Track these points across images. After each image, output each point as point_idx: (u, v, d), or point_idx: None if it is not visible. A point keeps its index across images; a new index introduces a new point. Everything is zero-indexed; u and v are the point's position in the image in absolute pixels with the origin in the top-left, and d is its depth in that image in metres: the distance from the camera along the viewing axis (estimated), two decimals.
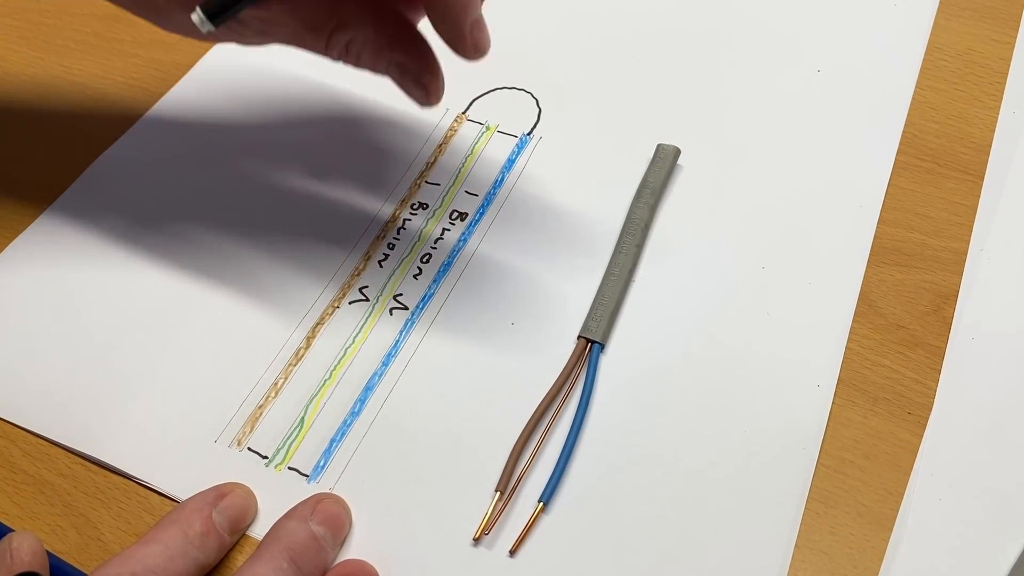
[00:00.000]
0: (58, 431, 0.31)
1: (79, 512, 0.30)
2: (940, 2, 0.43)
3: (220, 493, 0.28)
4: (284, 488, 0.30)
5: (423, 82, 0.30)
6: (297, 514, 0.27)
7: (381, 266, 0.36)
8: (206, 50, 0.43)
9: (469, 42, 0.29)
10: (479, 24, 0.29)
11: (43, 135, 0.40)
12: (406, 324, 0.34)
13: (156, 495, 0.30)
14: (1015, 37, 0.41)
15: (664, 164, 0.37)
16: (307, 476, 0.30)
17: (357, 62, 0.30)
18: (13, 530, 0.25)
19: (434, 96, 0.31)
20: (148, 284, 0.35)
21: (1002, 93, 0.39)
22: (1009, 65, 0.40)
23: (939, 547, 0.27)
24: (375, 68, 0.30)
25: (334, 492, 0.29)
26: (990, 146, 0.38)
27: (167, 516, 0.27)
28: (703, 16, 0.44)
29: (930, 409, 0.30)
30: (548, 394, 0.31)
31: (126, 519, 0.29)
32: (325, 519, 0.27)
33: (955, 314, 0.33)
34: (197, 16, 0.27)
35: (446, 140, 0.40)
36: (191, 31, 0.28)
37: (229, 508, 0.28)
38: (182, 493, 0.30)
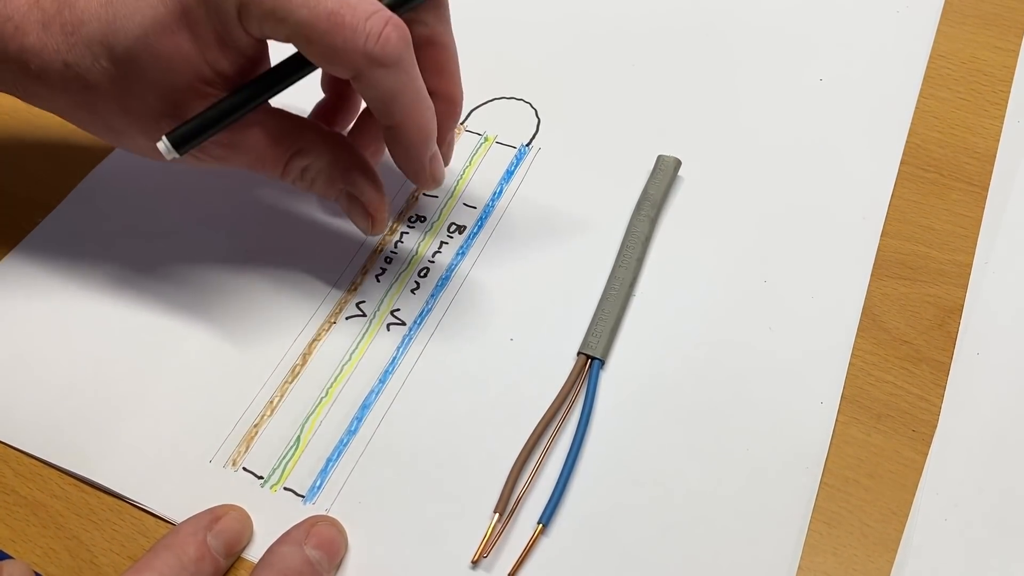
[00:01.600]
0: (51, 451, 0.31)
1: (72, 534, 0.29)
2: (943, 10, 0.42)
3: (214, 516, 0.28)
4: (279, 509, 0.29)
5: (370, 212, 0.32)
6: (291, 538, 0.27)
7: (378, 280, 0.35)
8: None
9: (427, 175, 0.31)
10: (436, 158, 0.31)
11: (37, 147, 0.40)
12: (404, 340, 0.33)
13: (150, 516, 0.29)
14: (1019, 45, 0.41)
15: (665, 176, 0.37)
16: (303, 497, 0.30)
17: (310, 187, 0.31)
18: (5, 554, 0.25)
19: (378, 227, 0.32)
20: (142, 300, 0.35)
21: (1006, 102, 0.39)
22: (1013, 73, 0.40)
23: (945, 568, 0.27)
24: (326, 195, 0.32)
25: (329, 514, 0.29)
26: (994, 156, 0.37)
27: (161, 541, 0.27)
28: (704, 26, 0.43)
29: (935, 426, 0.30)
30: (547, 412, 0.31)
31: (120, 541, 0.29)
32: (320, 543, 0.27)
33: (960, 328, 0.32)
34: (163, 145, 0.28)
35: None
36: (150, 153, 0.30)
37: (224, 532, 0.27)
38: (176, 514, 0.29)
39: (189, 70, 0.28)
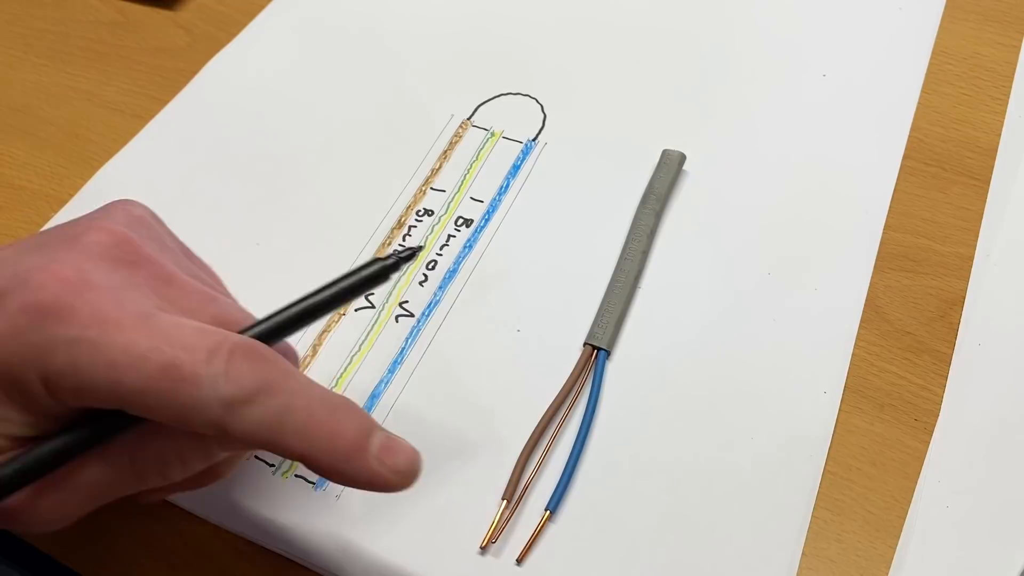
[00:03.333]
0: None
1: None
2: (946, 5, 0.43)
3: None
4: (291, 497, 0.30)
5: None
6: None
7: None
8: (210, 57, 0.43)
9: (388, 478, 0.24)
10: (387, 449, 0.24)
11: (49, 143, 0.40)
12: (412, 331, 0.34)
13: (164, 504, 0.30)
14: (1021, 41, 0.41)
15: (669, 170, 0.37)
16: (314, 484, 0.30)
17: (186, 479, 0.25)
18: None
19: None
20: None
21: (1008, 97, 0.39)
22: (1015, 69, 0.40)
23: (946, 554, 0.27)
24: (210, 471, 0.26)
25: (339, 501, 0.29)
26: (996, 150, 0.37)
27: None
28: (708, 22, 0.44)
29: (937, 415, 0.30)
30: (554, 401, 0.31)
31: (145, 536, 0.29)
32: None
33: (962, 320, 0.33)
34: None
35: (451, 147, 0.40)
36: None
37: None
38: (189, 503, 0.30)
39: None
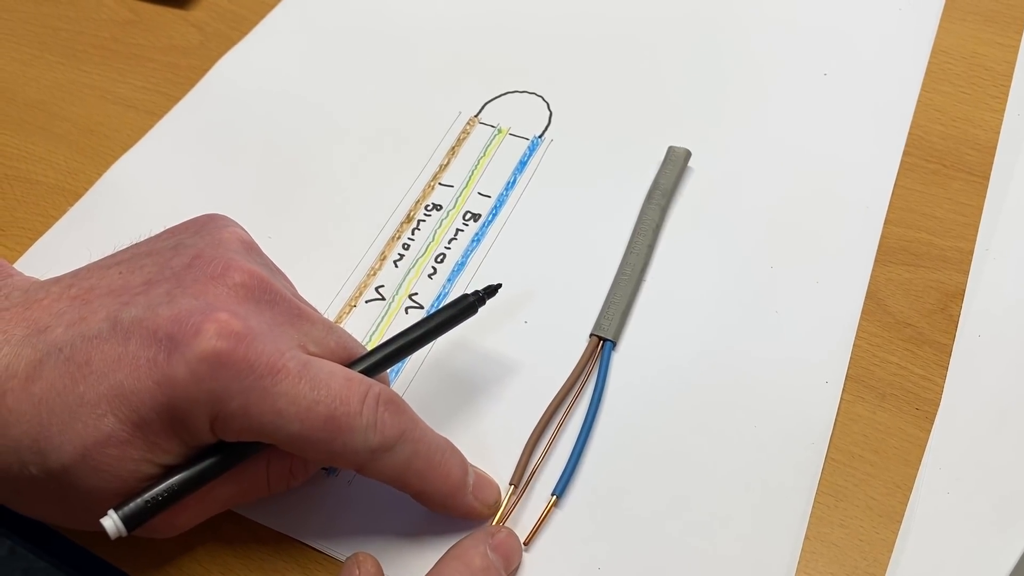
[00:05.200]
0: None
1: None
2: (945, 6, 0.43)
3: (491, 533, 0.27)
4: (306, 484, 0.30)
5: None
6: (476, 538, 0.27)
7: (396, 266, 0.36)
8: (222, 55, 0.44)
9: (480, 509, 0.28)
10: (481, 485, 0.28)
11: (64, 139, 0.41)
12: None
13: None
14: (1020, 41, 0.42)
15: (675, 166, 0.38)
16: (327, 471, 0.31)
17: (307, 476, 0.29)
18: None
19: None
20: None
21: (1007, 96, 0.40)
22: (1014, 68, 0.41)
23: (948, 539, 0.28)
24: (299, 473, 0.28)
25: (351, 487, 0.30)
26: (995, 148, 0.38)
27: (448, 553, 0.27)
28: (711, 21, 0.44)
29: (938, 405, 0.31)
30: (561, 391, 0.32)
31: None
32: (500, 547, 0.27)
33: (962, 312, 0.33)
34: (111, 523, 0.24)
35: (459, 143, 0.40)
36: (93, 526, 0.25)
37: (502, 547, 0.27)
38: None
39: (135, 473, 0.24)
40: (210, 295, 0.25)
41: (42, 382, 0.24)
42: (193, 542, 0.29)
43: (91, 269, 0.27)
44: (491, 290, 0.31)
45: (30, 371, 0.24)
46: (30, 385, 0.24)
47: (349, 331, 0.34)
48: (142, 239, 0.29)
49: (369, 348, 0.29)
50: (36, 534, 0.30)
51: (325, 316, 0.29)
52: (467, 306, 0.30)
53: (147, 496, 0.24)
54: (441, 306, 0.30)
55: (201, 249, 0.27)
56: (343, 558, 0.28)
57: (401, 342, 0.29)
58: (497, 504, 0.29)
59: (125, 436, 0.24)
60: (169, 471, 0.25)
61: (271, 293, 0.26)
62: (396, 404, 0.26)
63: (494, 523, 0.29)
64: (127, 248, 0.28)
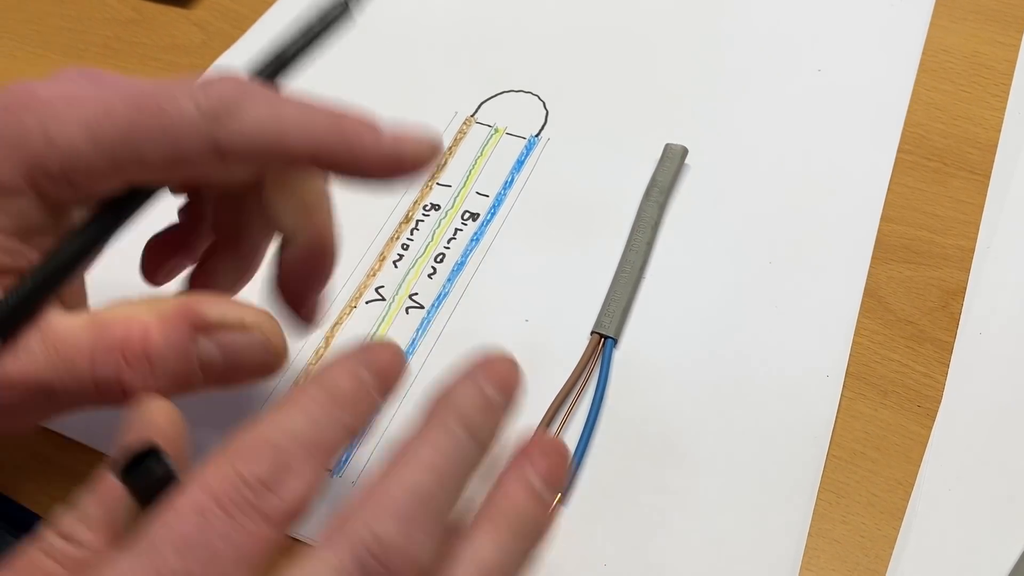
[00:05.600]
0: (84, 434, 0.32)
1: None
2: (946, 5, 0.43)
3: (366, 348, 0.22)
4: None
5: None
6: (341, 359, 0.22)
7: (396, 266, 0.36)
8: (220, 53, 0.44)
9: (402, 158, 0.24)
10: (398, 134, 0.25)
11: None
12: (422, 323, 0.34)
13: None
14: (1020, 40, 0.42)
15: (672, 163, 0.38)
16: (330, 470, 0.31)
17: (151, 377, 0.23)
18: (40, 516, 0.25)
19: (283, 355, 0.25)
20: (164, 290, 0.36)
21: (1007, 94, 0.40)
22: (1014, 67, 0.41)
23: (949, 535, 0.28)
24: (186, 367, 0.23)
25: (355, 487, 0.30)
26: (996, 146, 0.38)
27: (310, 378, 0.22)
28: (705, 19, 0.45)
29: (939, 402, 0.31)
30: (563, 388, 0.32)
31: None
32: (371, 363, 0.22)
33: (963, 310, 0.33)
34: None
35: (456, 143, 0.40)
36: None
37: (376, 362, 0.22)
38: None
39: None
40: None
41: None
42: None
43: None
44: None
45: None
46: None
47: (350, 332, 0.34)
48: None
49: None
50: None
51: None
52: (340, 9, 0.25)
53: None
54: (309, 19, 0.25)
55: None
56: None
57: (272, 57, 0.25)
58: (433, 150, 0.24)
59: None
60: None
61: (95, 74, 0.24)
62: (230, 76, 0.23)
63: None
64: None
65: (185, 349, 0.23)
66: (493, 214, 0.38)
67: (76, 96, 0.22)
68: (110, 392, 0.22)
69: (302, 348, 0.34)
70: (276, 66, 0.24)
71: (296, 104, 0.23)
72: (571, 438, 0.31)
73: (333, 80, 0.43)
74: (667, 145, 0.38)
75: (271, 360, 0.24)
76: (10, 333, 0.21)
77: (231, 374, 0.24)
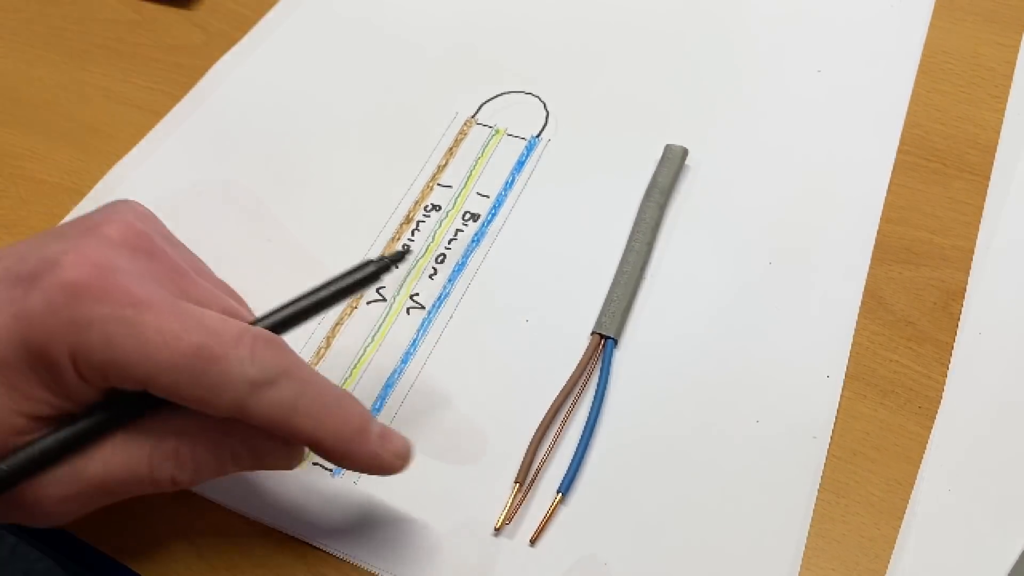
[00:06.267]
0: None
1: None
2: (946, 6, 0.44)
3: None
4: (309, 484, 0.30)
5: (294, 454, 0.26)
6: None
7: (396, 266, 0.36)
8: (221, 54, 0.44)
9: (386, 462, 0.26)
10: (384, 436, 0.26)
11: (68, 138, 0.41)
12: (423, 323, 0.35)
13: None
14: (1020, 41, 0.42)
15: (672, 164, 0.38)
16: (331, 471, 0.31)
17: (196, 472, 0.25)
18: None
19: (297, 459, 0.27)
20: None
21: (1007, 96, 0.40)
22: (1014, 68, 0.41)
23: (949, 535, 0.28)
24: (220, 465, 0.26)
25: (357, 487, 0.30)
26: (996, 147, 0.38)
27: None
28: (706, 21, 0.45)
29: (939, 402, 0.31)
30: (564, 389, 0.32)
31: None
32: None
33: (963, 310, 0.33)
34: None
35: (456, 144, 0.40)
36: None
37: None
38: (212, 491, 0.30)
39: (2, 424, 0.23)
40: (82, 240, 0.24)
41: None
42: (200, 542, 0.29)
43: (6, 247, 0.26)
44: (398, 256, 0.28)
45: None
46: None
47: (351, 333, 0.34)
48: None
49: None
50: (41, 531, 0.30)
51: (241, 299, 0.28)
52: (369, 275, 0.27)
53: (2, 466, 0.22)
54: (343, 272, 0.28)
55: (91, 214, 0.26)
56: (351, 559, 0.28)
57: (296, 308, 0.26)
58: (408, 456, 0.26)
59: None
60: (42, 435, 0.23)
61: (151, 246, 0.25)
62: (277, 342, 0.24)
63: (499, 524, 0.29)
64: None
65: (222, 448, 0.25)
66: (494, 215, 0.38)
67: (141, 307, 0.23)
68: (161, 486, 0.25)
69: (302, 349, 0.34)
70: (312, 311, 0.27)
71: (316, 390, 0.25)
72: (573, 436, 0.31)
73: (337, 80, 0.43)
74: (667, 146, 0.38)
75: (295, 463, 0.27)
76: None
77: (258, 466, 0.26)
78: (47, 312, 0.22)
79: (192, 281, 0.26)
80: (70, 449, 0.23)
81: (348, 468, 0.26)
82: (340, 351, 0.34)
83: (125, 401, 0.24)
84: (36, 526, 0.25)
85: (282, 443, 0.26)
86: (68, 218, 0.38)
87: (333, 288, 0.27)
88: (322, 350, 0.34)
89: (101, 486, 0.24)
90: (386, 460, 0.26)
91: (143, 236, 0.25)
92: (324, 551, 0.29)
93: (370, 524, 0.29)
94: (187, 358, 0.22)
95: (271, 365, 0.24)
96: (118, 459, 0.24)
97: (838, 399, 0.31)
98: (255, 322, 0.26)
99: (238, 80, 0.43)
